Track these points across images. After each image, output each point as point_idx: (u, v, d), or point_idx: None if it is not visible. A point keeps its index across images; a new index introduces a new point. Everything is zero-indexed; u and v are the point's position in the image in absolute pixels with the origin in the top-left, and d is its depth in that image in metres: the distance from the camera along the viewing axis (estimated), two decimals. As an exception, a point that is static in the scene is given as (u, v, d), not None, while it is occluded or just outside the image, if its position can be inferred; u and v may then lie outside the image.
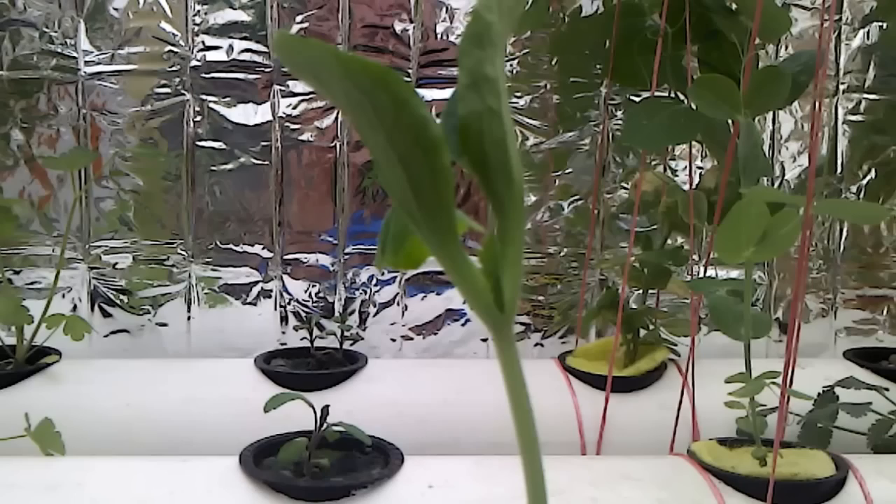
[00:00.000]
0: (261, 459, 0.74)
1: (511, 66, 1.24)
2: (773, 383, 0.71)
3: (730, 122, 0.88)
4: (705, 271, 0.92)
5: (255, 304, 1.23)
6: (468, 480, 0.76)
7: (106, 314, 1.21)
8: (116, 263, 1.21)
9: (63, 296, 1.19)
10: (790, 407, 0.86)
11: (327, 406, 0.73)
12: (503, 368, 0.41)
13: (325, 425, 0.72)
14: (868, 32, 1.30)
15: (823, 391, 0.96)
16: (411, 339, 1.26)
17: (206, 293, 1.22)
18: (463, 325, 1.26)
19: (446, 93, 1.23)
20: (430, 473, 0.75)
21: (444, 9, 1.22)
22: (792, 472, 0.75)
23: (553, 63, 1.25)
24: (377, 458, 0.76)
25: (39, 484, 0.71)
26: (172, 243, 1.22)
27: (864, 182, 1.32)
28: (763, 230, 0.67)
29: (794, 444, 0.83)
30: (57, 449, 0.79)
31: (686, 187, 1.07)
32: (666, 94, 1.04)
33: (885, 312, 1.34)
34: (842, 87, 1.30)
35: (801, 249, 0.71)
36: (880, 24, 1.30)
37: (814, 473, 0.76)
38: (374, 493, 0.71)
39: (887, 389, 0.97)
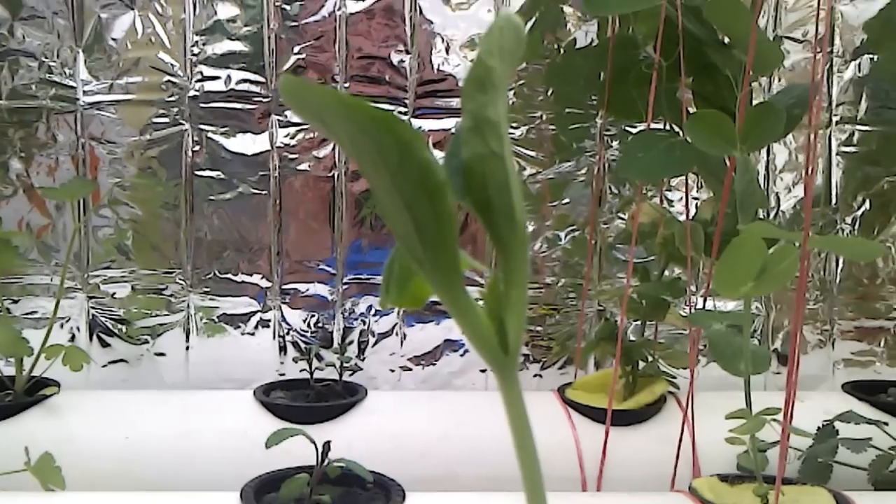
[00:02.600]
0: (262, 495, 0.74)
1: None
2: (774, 420, 0.70)
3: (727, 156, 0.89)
4: (704, 303, 0.92)
5: (253, 334, 1.23)
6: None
7: (104, 344, 1.21)
8: (115, 293, 1.21)
9: (62, 325, 1.19)
10: (791, 441, 0.86)
11: (328, 442, 0.72)
12: (507, 409, 0.41)
13: (326, 461, 0.72)
14: (859, 64, 1.31)
15: (823, 426, 0.96)
16: (410, 369, 1.25)
17: (204, 323, 1.22)
18: (462, 355, 1.26)
19: (443, 123, 1.24)
20: (432, 510, 0.74)
21: (441, 40, 1.23)
22: (794, 512, 0.75)
23: (549, 94, 1.26)
24: (378, 494, 0.75)
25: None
26: (171, 273, 1.22)
27: (859, 213, 1.32)
28: (761, 265, 0.67)
29: (794, 481, 0.83)
30: (57, 484, 0.78)
31: (682, 218, 1.07)
32: (661, 126, 1.05)
33: (882, 344, 1.34)
34: (835, 119, 1.31)
35: (799, 284, 0.71)
36: (871, 56, 1.31)
37: (816, 512, 0.76)
38: (376, 531, 0.70)
39: (886, 424, 0.97)
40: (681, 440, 0.92)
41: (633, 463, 0.98)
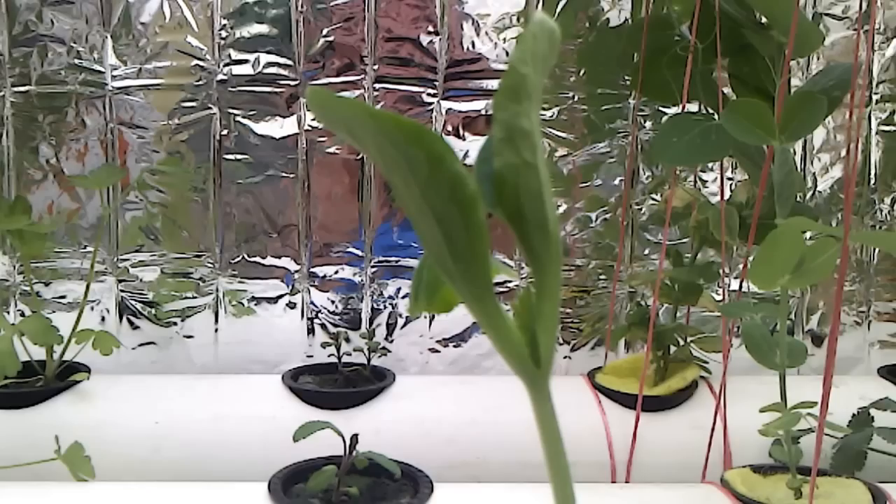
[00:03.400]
0: (290, 486, 0.74)
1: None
2: (811, 415, 0.69)
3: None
4: (739, 288, 0.90)
5: (281, 317, 1.23)
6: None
7: (134, 326, 1.22)
8: (144, 276, 1.21)
9: (92, 308, 1.20)
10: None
11: (356, 435, 0.72)
12: (539, 423, 0.40)
13: (354, 452, 0.72)
14: (901, 41, 1.28)
15: (858, 412, 0.94)
16: (438, 351, 1.25)
17: (233, 305, 1.22)
18: (490, 338, 1.24)
19: (473, 105, 1.22)
20: (460, 502, 0.74)
21: (471, 20, 1.21)
22: (828, 505, 0.74)
23: (581, 74, 1.24)
24: (406, 485, 0.75)
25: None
26: (200, 256, 1.22)
27: (899, 193, 1.30)
28: (799, 258, 0.66)
29: (827, 472, 0.82)
30: (87, 473, 0.79)
31: (715, 200, 1.05)
32: (695, 109, 1.03)
33: (920, 326, 1.32)
34: (875, 98, 1.28)
35: (839, 278, 0.69)
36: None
37: (850, 505, 0.74)
38: (404, 522, 0.70)
39: (923, 410, 0.95)
40: (713, 430, 0.91)
41: (663, 450, 0.97)
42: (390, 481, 0.76)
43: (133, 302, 1.22)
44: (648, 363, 1.01)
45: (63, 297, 1.21)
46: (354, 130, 0.35)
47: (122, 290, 1.21)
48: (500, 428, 0.97)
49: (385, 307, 1.25)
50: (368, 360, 1.08)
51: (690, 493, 0.80)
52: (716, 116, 0.97)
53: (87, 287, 1.06)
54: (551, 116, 1.24)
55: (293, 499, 0.71)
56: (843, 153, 1.30)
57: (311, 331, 1.24)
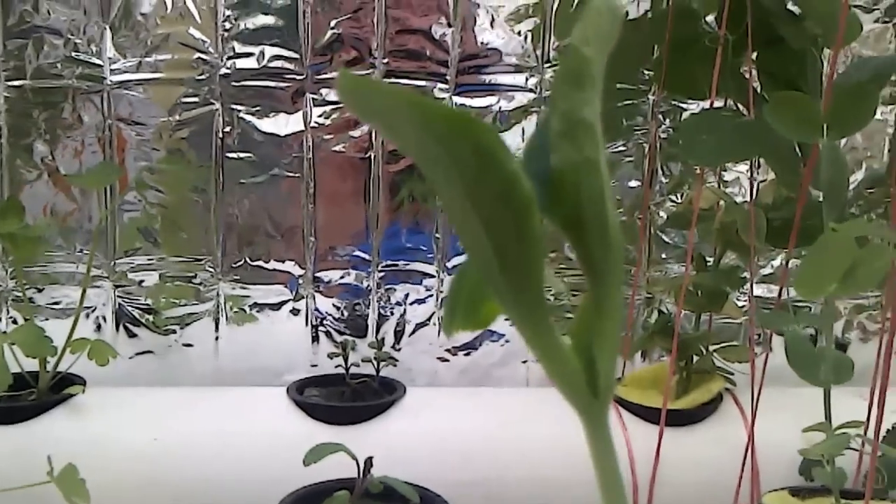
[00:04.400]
0: (299, 511, 0.69)
1: (554, 71, 1.18)
2: (859, 436, 0.64)
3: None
4: (779, 296, 0.85)
5: (285, 324, 1.18)
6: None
7: (131, 334, 1.16)
8: (142, 281, 1.16)
9: (87, 315, 1.14)
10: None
11: (370, 458, 0.67)
12: (595, 458, 0.35)
13: (368, 476, 0.67)
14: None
15: (893, 427, 0.89)
16: (447, 360, 1.20)
17: (234, 312, 1.17)
18: (502, 345, 1.20)
19: (486, 101, 1.17)
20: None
21: (485, 12, 1.16)
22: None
23: (598, 69, 1.18)
24: (422, 509, 0.70)
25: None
26: (200, 260, 1.17)
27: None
28: (850, 265, 0.61)
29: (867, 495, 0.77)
30: (82, 496, 0.74)
31: (739, 200, 1.00)
32: (722, 105, 0.98)
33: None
34: (900, 94, 1.23)
35: (890, 286, 0.64)
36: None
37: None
38: (421, 551, 0.65)
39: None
40: (747, 450, 0.86)
41: (687, 468, 0.92)
42: (405, 506, 0.71)
43: (130, 308, 1.16)
44: (671, 374, 0.96)
45: (57, 302, 1.15)
46: (390, 121, 0.30)
47: (119, 296, 1.16)
48: (516, 444, 0.92)
49: (393, 314, 1.19)
50: (377, 371, 1.03)
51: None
52: (745, 112, 0.92)
53: (83, 293, 1.01)
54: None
55: (303, 526, 0.66)
56: (869, 153, 1.26)
57: (315, 338, 1.19)
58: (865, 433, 0.64)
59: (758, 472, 0.85)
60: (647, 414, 0.95)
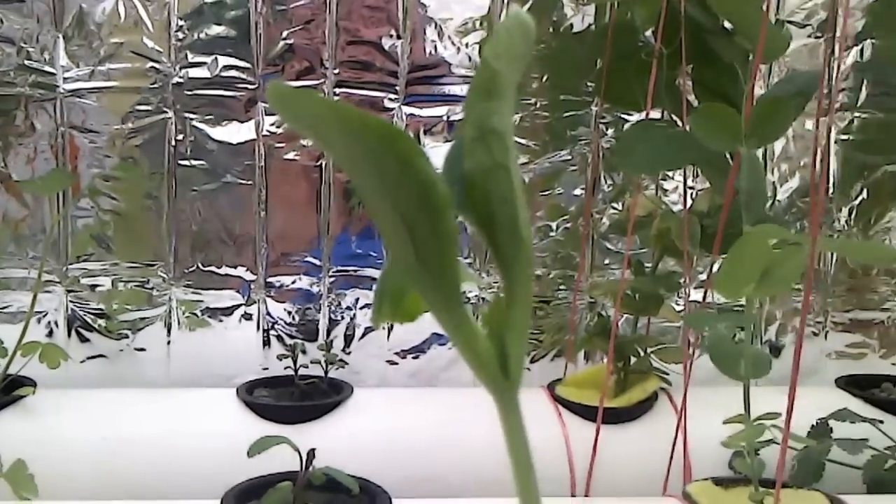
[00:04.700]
0: (244, 503, 0.71)
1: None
2: (775, 426, 0.68)
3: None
4: (703, 300, 0.90)
5: (237, 328, 1.20)
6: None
7: (83, 339, 1.18)
8: (95, 287, 1.17)
9: (39, 320, 1.16)
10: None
11: (313, 450, 0.70)
12: (507, 436, 0.39)
13: (310, 468, 0.69)
14: (861, 50, 1.29)
15: (817, 424, 0.94)
16: (396, 363, 1.23)
17: (186, 317, 1.19)
18: (449, 349, 1.23)
19: (435, 111, 1.21)
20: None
21: (434, 24, 1.19)
22: (791, 518, 0.73)
23: (543, 80, 1.23)
24: (364, 500, 0.73)
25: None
26: (153, 265, 1.18)
27: (857, 202, 1.30)
28: (765, 267, 0.65)
29: (787, 484, 0.81)
30: (30, 491, 0.75)
31: (677, 209, 1.05)
32: (658, 116, 1.02)
33: (875, 336, 1.33)
34: (835, 106, 1.29)
35: (805, 287, 0.69)
36: (873, 41, 1.28)
37: (812, 518, 0.74)
38: (362, 540, 0.68)
39: (881, 422, 0.95)
40: (675, 443, 0.90)
41: (623, 462, 0.96)
42: (348, 497, 0.73)
43: (82, 313, 1.18)
44: (609, 375, 1.00)
45: (8, 307, 1.16)
46: (319, 129, 0.33)
47: (71, 302, 1.17)
48: (461, 443, 0.95)
49: (343, 318, 1.22)
50: (326, 372, 1.06)
51: (653, 507, 0.79)
52: (680, 124, 0.96)
53: (34, 297, 1.02)
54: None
55: (247, 517, 0.69)
56: (803, 162, 1.31)
57: (266, 343, 1.21)
58: (787, 426, 0.68)
59: (689, 465, 0.89)
60: (585, 412, 0.99)
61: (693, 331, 0.92)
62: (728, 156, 0.93)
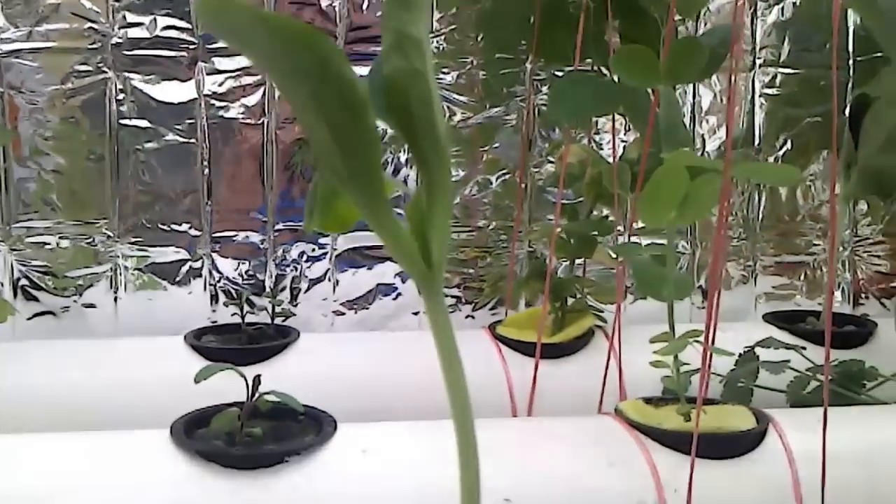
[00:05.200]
0: (192, 431, 0.74)
1: (438, 42, 1.25)
2: (697, 341, 0.73)
3: (651, 94, 0.91)
4: (628, 238, 0.95)
5: (184, 284, 1.22)
6: (401, 445, 0.77)
7: (29, 297, 1.19)
8: (41, 244, 1.19)
9: (-17, 280, 1.17)
10: (715, 368, 0.90)
11: (259, 375, 0.73)
12: (432, 323, 0.43)
13: (256, 395, 0.73)
14: (783, 8, 1.35)
15: (744, 351, 1.00)
16: (343, 314, 1.26)
17: (132, 273, 1.21)
18: (394, 299, 1.27)
19: (374, 69, 1.23)
20: (364, 439, 0.76)
21: (369, -16, 1.22)
22: (715, 427, 0.78)
23: (479, 39, 1.26)
24: (310, 426, 0.76)
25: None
26: (97, 223, 1.20)
27: (781, 153, 1.37)
28: (684, 194, 0.70)
29: (716, 401, 0.87)
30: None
31: (610, 159, 1.09)
32: (589, 70, 1.06)
33: (802, 278, 1.40)
34: (758, 62, 1.35)
35: (720, 213, 0.74)
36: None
37: (736, 427, 0.79)
38: (308, 460, 0.71)
39: (804, 348, 1.01)
40: (607, 369, 0.95)
41: (562, 392, 1.01)
42: (294, 423, 0.77)
43: (28, 272, 1.19)
44: (546, 314, 1.04)
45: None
46: (244, 36, 0.36)
47: (16, 260, 1.18)
48: (404, 377, 0.99)
49: (289, 271, 1.25)
50: (272, 317, 1.09)
51: (587, 422, 0.84)
52: (608, 75, 1.01)
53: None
54: (451, 81, 1.26)
55: (196, 441, 0.72)
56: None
57: (214, 297, 1.23)
58: (707, 342, 0.72)
59: (624, 388, 0.95)
60: (524, 348, 1.04)
61: (621, 259, 0.97)
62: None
